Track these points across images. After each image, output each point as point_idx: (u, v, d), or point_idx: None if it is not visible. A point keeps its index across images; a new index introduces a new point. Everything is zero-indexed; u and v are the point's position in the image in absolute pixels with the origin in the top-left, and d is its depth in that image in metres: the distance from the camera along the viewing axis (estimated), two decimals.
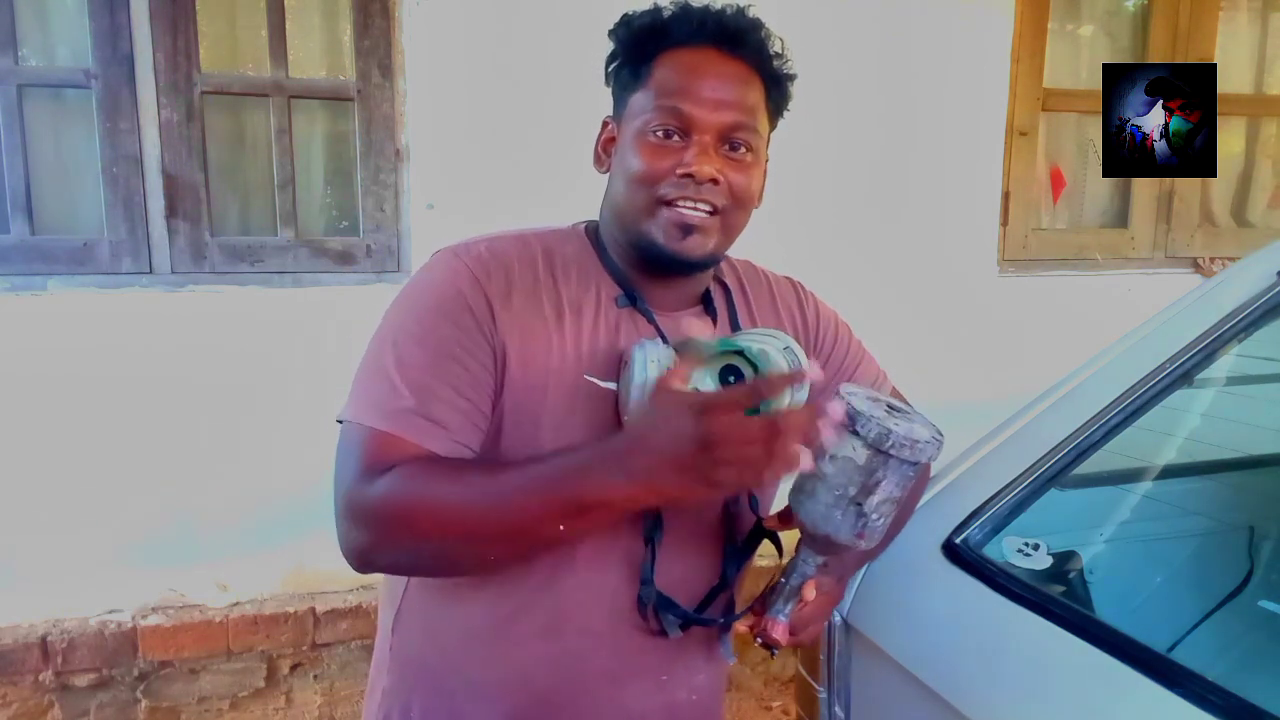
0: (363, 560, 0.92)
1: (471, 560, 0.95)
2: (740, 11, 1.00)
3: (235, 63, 2.46)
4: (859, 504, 0.85)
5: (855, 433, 0.84)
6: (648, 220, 0.97)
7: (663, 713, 1.09)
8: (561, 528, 0.86)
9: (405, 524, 0.89)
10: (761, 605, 1.00)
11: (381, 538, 0.90)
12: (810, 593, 0.93)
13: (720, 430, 0.76)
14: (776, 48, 1.01)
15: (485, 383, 0.94)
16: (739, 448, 0.77)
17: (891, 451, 0.83)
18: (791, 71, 1.03)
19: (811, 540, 0.91)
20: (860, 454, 0.84)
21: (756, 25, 1.00)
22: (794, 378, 0.82)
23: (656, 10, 1.00)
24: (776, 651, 0.92)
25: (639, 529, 1.00)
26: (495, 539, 0.89)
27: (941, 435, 0.86)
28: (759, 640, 0.96)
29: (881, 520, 0.87)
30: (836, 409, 0.84)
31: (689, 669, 1.09)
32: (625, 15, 1.02)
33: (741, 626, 1.01)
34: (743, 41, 0.98)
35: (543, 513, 0.86)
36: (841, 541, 0.88)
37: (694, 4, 1.00)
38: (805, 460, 0.78)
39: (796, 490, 0.90)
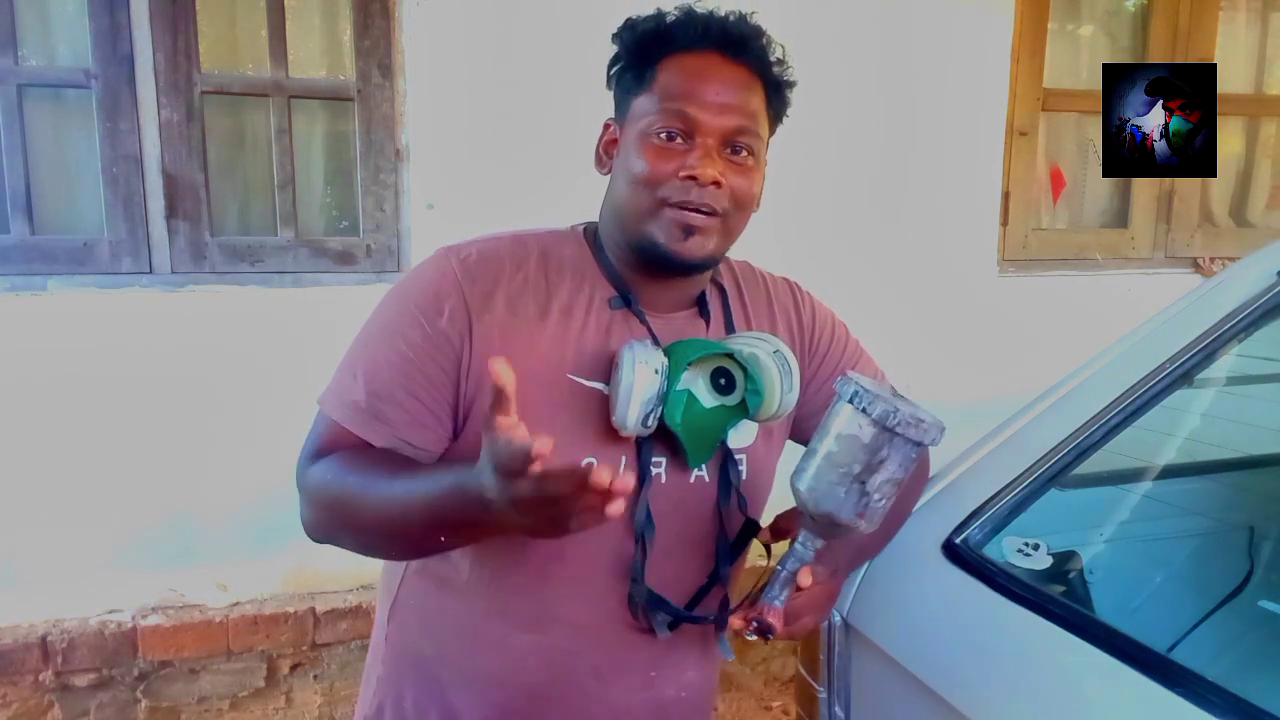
0: (310, 533, 1.01)
1: (381, 550, 1.02)
2: (743, 18, 1.01)
3: (235, 63, 2.46)
4: (862, 482, 0.86)
5: (862, 411, 0.85)
6: (649, 221, 0.98)
7: (650, 709, 1.09)
8: (442, 539, 0.91)
9: (325, 506, 0.98)
10: (757, 596, 0.99)
11: (314, 515, 0.99)
12: (805, 578, 0.93)
13: (520, 494, 0.77)
14: (778, 54, 1.03)
15: (444, 388, 0.98)
16: (540, 510, 0.77)
17: (897, 429, 0.84)
18: (792, 78, 1.05)
19: (812, 521, 0.91)
20: (866, 432, 0.85)
21: (759, 32, 1.01)
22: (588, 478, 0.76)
23: (660, 15, 1.01)
24: (771, 637, 0.91)
25: (630, 527, 1.01)
26: (388, 534, 0.95)
27: (944, 424, 0.87)
28: (754, 627, 0.94)
29: (883, 501, 0.88)
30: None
31: (678, 666, 1.10)
32: (629, 19, 1.03)
33: (736, 621, 0.99)
34: (745, 48, 0.99)
35: (423, 521, 0.89)
36: (843, 521, 0.88)
37: (697, 9, 1.01)
38: (615, 510, 0.76)
39: (799, 471, 0.90)
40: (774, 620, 0.91)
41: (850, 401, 0.86)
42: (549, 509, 0.78)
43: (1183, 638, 1.48)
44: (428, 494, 0.88)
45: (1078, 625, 1.06)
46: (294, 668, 2.50)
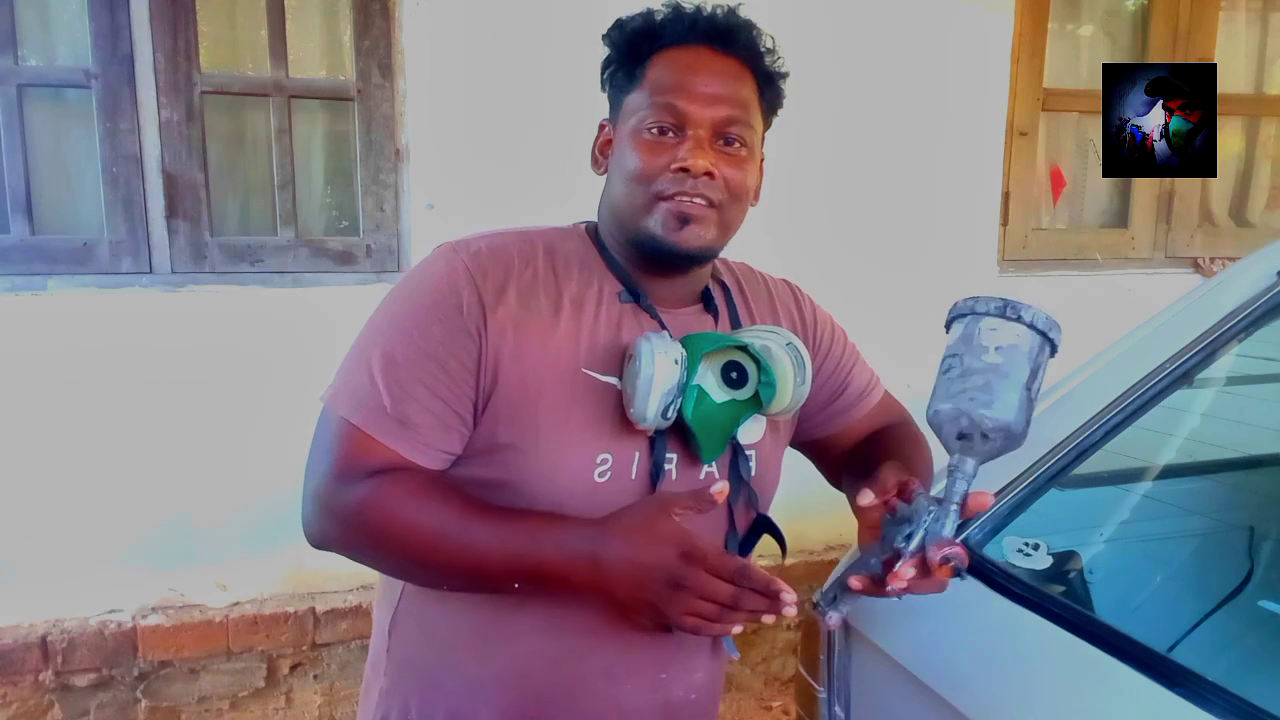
0: (319, 545, 0.98)
1: (424, 581, 1.02)
2: (732, 11, 1.02)
3: (235, 63, 2.46)
4: (1028, 389, 0.87)
5: (1018, 319, 0.87)
6: (645, 216, 0.98)
7: (659, 710, 1.09)
8: (516, 585, 0.93)
9: (373, 537, 0.95)
10: (892, 549, 0.89)
11: (346, 540, 0.97)
12: (987, 499, 0.89)
13: (693, 583, 0.85)
14: (768, 45, 1.03)
15: (465, 384, 0.96)
16: (700, 604, 0.85)
17: (1049, 334, 0.87)
18: (784, 69, 1.05)
19: (981, 440, 0.87)
20: (1025, 338, 0.87)
21: (748, 25, 1.02)
22: (772, 590, 0.85)
23: (649, 13, 1.02)
24: (962, 575, 0.85)
25: None
26: (452, 574, 0.96)
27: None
28: (942, 561, 0.85)
29: (1035, 412, 0.89)
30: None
31: (687, 667, 1.09)
32: (618, 19, 1.04)
33: (906, 570, 0.87)
34: (734, 40, 1.00)
35: (503, 570, 0.92)
36: (1018, 430, 0.87)
37: (685, 5, 1.01)
38: (735, 630, 0.88)
39: (950, 395, 0.88)
40: (961, 551, 0.85)
41: (1003, 314, 0.87)
42: (708, 607, 0.85)
43: (1183, 638, 1.48)
44: (522, 547, 0.90)
45: (1078, 625, 1.06)
46: (294, 668, 2.50)
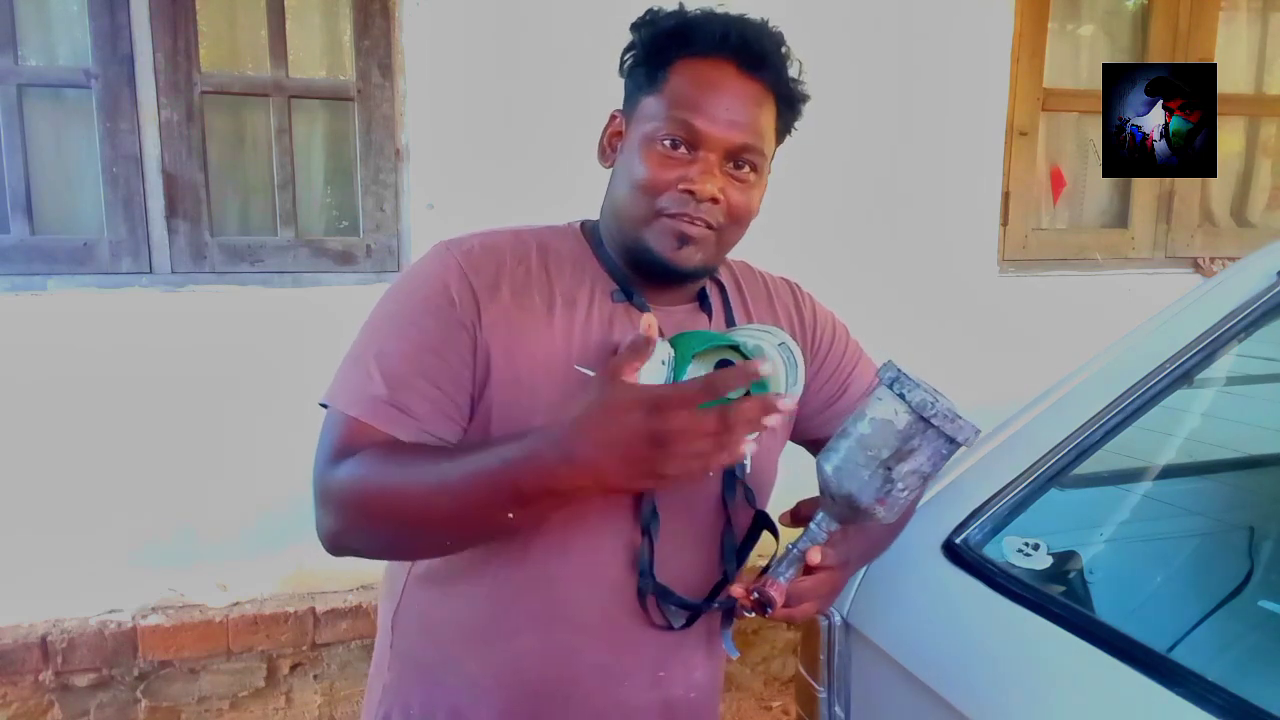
0: (333, 544, 0.95)
1: (428, 546, 0.98)
2: (763, 27, 0.99)
3: (235, 63, 2.46)
4: (889, 468, 0.85)
5: (900, 396, 0.84)
6: (645, 228, 0.98)
7: (659, 709, 1.09)
8: (510, 515, 0.86)
9: (359, 508, 0.92)
10: (763, 572, 0.95)
11: (342, 521, 0.93)
12: (815, 556, 0.90)
13: (674, 428, 0.77)
14: (794, 71, 1.01)
15: (463, 375, 0.96)
16: (689, 444, 0.77)
17: (933, 421, 0.83)
18: (806, 93, 1.03)
19: (832, 503, 0.90)
20: (901, 418, 0.84)
21: (777, 44, 0.99)
22: (749, 372, 0.80)
23: (682, 12, 1.00)
24: (770, 612, 0.89)
25: (635, 520, 1.01)
26: (445, 525, 0.91)
27: (979, 428, 0.86)
28: (754, 599, 0.91)
29: (906, 493, 0.87)
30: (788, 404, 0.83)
31: (686, 665, 1.09)
32: (650, 12, 1.01)
33: (737, 589, 0.93)
34: (763, 63, 0.97)
35: (487, 499, 0.86)
36: (863, 504, 0.87)
37: (718, 13, 0.99)
38: (750, 449, 0.79)
39: (828, 451, 0.90)
40: (775, 594, 0.89)
41: (890, 386, 0.85)
42: (698, 443, 0.77)
43: (1183, 638, 1.48)
44: (495, 472, 0.84)
45: (1078, 625, 1.06)
46: (294, 668, 2.50)
